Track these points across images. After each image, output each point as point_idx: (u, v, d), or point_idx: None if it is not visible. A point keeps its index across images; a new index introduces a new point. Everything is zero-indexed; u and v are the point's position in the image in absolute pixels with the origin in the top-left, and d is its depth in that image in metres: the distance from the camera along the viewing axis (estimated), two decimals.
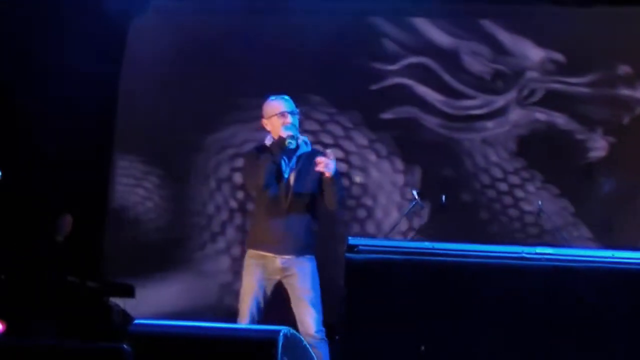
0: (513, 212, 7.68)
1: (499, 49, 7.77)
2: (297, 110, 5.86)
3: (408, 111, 7.83)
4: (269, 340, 4.42)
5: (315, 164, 5.55)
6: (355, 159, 7.90)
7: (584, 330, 4.43)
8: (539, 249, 4.50)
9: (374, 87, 7.92)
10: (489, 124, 7.67)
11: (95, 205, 8.80)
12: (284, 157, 5.70)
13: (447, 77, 7.72)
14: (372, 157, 7.77)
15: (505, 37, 7.79)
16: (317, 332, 5.29)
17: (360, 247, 4.43)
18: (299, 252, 5.49)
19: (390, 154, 7.76)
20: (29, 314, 7.67)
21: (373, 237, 7.32)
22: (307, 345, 4.65)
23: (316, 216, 5.66)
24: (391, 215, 7.61)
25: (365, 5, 8.00)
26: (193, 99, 8.71)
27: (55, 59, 7.94)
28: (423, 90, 7.76)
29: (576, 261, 4.43)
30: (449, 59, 7.72)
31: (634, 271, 4.39)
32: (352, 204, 7.63)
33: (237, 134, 8.59)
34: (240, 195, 8.50)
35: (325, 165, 5.47)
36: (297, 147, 5.68)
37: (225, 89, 8.53)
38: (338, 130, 7.96)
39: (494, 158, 7.62)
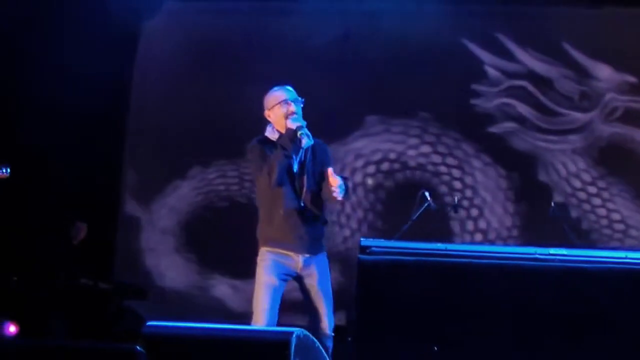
0: (600, 211, 8.51)
1: (583, 73, 8.62)
2: (301, 99, 5.72)
3: (508, 126, 8.66)
4: (282, 342, 4.42)
5: (323, 154, 5.57)
6: (465, 165, 8.57)
7: (597, 330, 4.41)
8: (552, 250, 4.48)
9: (477, 104, 8.69)
10: (577, 137, 8.59)
11: (108, 207, 8.81)
12: (294, 151, 5.53)
13: (542, 98, 8.62)
14: (479, 164, 8.60)
15: (588, 63, 8.63)
16: (331, 329, 5.25)
17: (373, 248, 4.41)
18: (317, 249, 5.39)
19: (494, 161, 8.60)
20: (43, 315, 7.69)
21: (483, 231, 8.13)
22: (320, 347, 4.64)
23: (325, 210, 5.59)
24: (496, 212, 8.45)
25: (461, 32, 8.68)
26: (205, 99, 8.74)
27: (67, 60, 7.94)
28: (523, 108, 8.69)
29: (589, 262, 4.41)
30: (543, 81, 8.62)
31: None
32: (466, 203, 8.45)
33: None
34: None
35: (337, 191, 5.31)
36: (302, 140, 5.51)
37: (238, 90, 8.53)
38: (450, 141, 8.59)
39: (581, 166, 8.58)
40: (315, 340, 4.65)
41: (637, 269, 4.38)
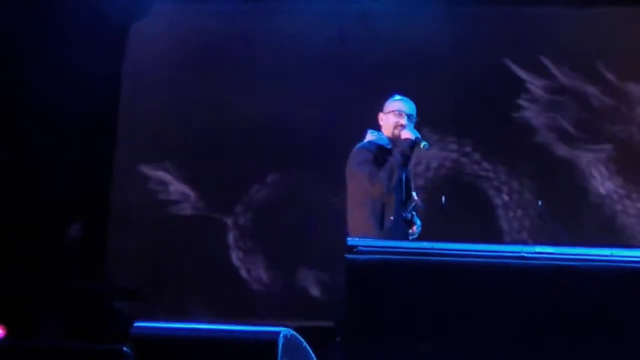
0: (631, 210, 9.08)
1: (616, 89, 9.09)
2: (415, 116, 5.86)
3: (545, 137, 9.13)
4: (269, 342, 4.44)
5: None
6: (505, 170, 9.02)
7: (583, 328, 4.41)
8: (538, 248, 4.48)
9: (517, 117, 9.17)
10: (610, 146, 9.09)
11: (99, 207, 8.80)
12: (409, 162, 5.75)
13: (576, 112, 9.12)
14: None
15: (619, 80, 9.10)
16: None
17: (360, 247, 4.40)
18: None
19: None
20: (34, 315, 7.68)
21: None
22: (308, 347, 4.65)
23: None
24: (532, 214, 8.97)
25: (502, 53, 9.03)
26: (193, 101, 8.74)
27: (57, 60, 7.95)
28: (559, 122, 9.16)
29: (575, 260, 4.41)
30: (576, 96, 9.10)
31: (632, 269, 4.38)
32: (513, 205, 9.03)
33: None
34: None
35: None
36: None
37: (226, 92, 8.54)
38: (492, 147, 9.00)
39: (614, 172, 9.11)
40: (302, 340, 4.66)
41: (623, 266, 4.39)
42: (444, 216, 5.86)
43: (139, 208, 8.85)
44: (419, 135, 5.70)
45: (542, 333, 4.46)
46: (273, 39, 8.73)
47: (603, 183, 8.99)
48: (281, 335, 4.45)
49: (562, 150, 9.10)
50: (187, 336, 4.57)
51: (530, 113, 9.13)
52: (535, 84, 9.11)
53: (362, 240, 4.44)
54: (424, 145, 5.63)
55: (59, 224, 8.34)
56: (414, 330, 4.42)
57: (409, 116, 5.79)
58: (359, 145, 5.80)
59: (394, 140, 5.78)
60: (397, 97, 5.89)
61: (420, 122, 5.96)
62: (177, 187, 8.91)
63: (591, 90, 9.06)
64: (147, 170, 8.92)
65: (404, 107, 5.82)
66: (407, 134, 5.70)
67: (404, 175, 5.72)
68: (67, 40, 8.14)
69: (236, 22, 8.85)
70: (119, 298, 8.07)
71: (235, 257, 8.85)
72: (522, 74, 9.11)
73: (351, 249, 4.40)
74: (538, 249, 4.49)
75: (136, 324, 4.59)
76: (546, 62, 9.06)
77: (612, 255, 4.45)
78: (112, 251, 8.82)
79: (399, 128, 5.75)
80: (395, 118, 5.78)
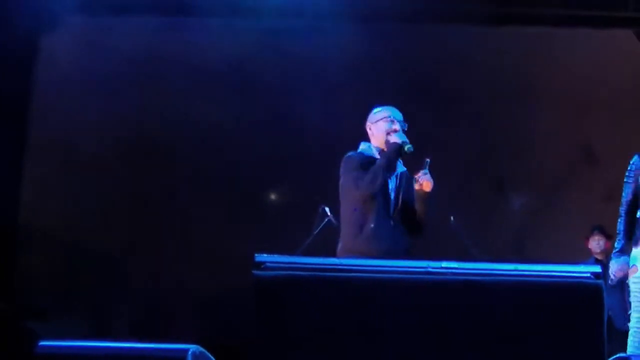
0: None
1: None
2: (404, 123, 5.86)
3: None
4: (178, 359, 4.40)
5: (412, 183, 5.74)
6: None
7: (488, 342, 4.47)
8: (444, 263, 4.53)
9: None
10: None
11: (7, 224, 8.64)
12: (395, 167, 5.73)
13: None
14: None
15: None
16: None
17: (268, 263, 4.40)
18: None
19: None
20: None
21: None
22: None
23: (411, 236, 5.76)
24: None
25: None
26: (101, 114, 8.68)
27: None
28: None
29: (480, 275, 4.47)
30: None
31: (536, 283, 4.46)
32: None
33: None
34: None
35: (428, 181, 5.64)
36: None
37: (135, 106, 8.50)
38: None
39: None
40: (212, 357, 4.64)
41: (526, 280, 4.47)
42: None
43: (49, 225, 8.74)
44: (405, 139, 5.72)
45: (449, 347, 4.51)
46: (183, 54, 8.73)
47: (514, 198, 9.11)
48: (189, 352, 4.43)
49: None
50: (95, 354, 4.52)
51: None
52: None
53: (270, 256, 4.44)
54: (407, 148, 5.66)
55: None
56: (321, 347, 4.43)
57: (400, 122, 5.83)
58: (347, 154, 5.82)
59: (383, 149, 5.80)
60: (382, 108, 5.90)
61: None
62: (88, 204, 8.82)
63: None
64: (56, 185, 8.82)
65: (394, 114, 5.85)
66: (395, 138, 5.72)
67: (393, 181, 5.75)
68: None
69: (146, 37, 8.81)
70: (27, 317, 7.92)
71: (144, 274, 8.80)
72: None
73: (259, 265, 4.39)
74: (444, 264, 4.54)
75: (41, 343, 4.53)
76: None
77: (516, 270, 4.53)
78: (20, 269, 8.68)
79: (392, 133, 5.77)
80: (386, 125, 5.80)
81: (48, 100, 8.86)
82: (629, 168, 6.18)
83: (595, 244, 8.93)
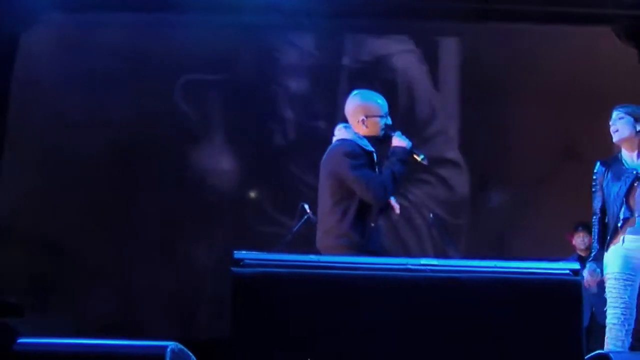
0: None
1: None
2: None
3: None
4: (156, 356, 4.39)
5: None
6: None
7: (467, 339, 4.47)
8: (423, 260, 4.53)
9: None
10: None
11: None
12: None
13: None
14: None
15: None
16: None
17: (246, 260, 4.39)
18: None
19: None
20: None
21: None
22: None
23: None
24: None
25: None
26: (82, 112, 8.64)
27: None
28: None
29: (459, 272, 4.48)
30: None
31: (514, 280, 4.47)
32: None
33: None
34: None
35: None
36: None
37: (110, 101, 8.47)
38: None
39: None
40: (191, 354, 4.63)
41: (505, 277, 4.48)
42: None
43: (25, 223, 8.71)
44: (410, 143, 5.57)
45: (427, 344, 4.51)
46: (163, 51, 8.70)
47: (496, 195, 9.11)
48: (168, 349, 4.42)
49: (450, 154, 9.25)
50: (73, 351, 4.50)
51: None
52: None
53: (248, 253, 4.43)
54: (422, 159, 5.56)
55: None
56: (299, 344, 4.42)
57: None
58: (344, 145, 5.53)
59: (374, 141, 5.57)
60: (379, 99, 5.63)
61: None
62: (64, 203, 8.79)
63: None
64: (33, 183, 8.78)
65: (386, 110, 5.64)
66: (401, 141, 5.57)
67: None
68: None
69: (126, 33, 8.79)
70: (2, 314, 7.89)
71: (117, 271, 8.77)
72: None
73: (238, 262, 4.38)
74: (423, 261, 4.54)
75: (19, 340, 4.51)
76: None
77: (495, 267, 4.53)
78: None
79: (394, 135, 5.59)
80: (382, 122, 5.57)
81: (27, 98, 8.81)
82: (593, 177, 6.31)
83: (580, 240, 8.98)
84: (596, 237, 6.27)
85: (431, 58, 9.43)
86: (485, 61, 9.26)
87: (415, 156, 5.59)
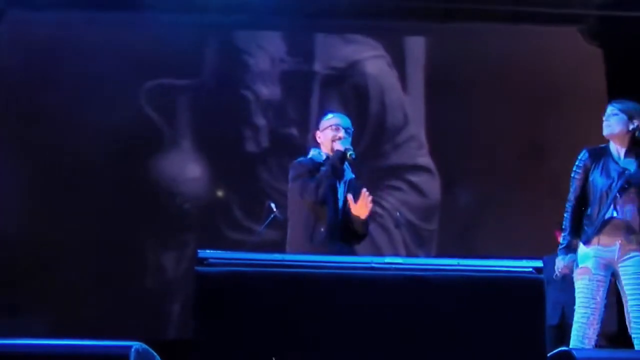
0: None
1: None
2: (351, 129, 6.04)
3: None
4: (120, 356, 4.36)
5: (358, 191, 5.87)
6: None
7: (432, 337, 4.48)
8: (387, 259, 4.54)
9: None
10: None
11: None
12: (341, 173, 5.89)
13: None
14: None
15: None
16: None
17: (211, 259, 4.37)
18: None
19: None
20: None
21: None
22: None
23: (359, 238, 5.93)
24: None
25: None
26: (46, 111, 8.59)
27: None
28: None
29: (423, 270, 4.48)
30: None
31: (478, 278, 4.48)
32: None
33: None
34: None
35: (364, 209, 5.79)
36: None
37: (76, 101, 8.43)
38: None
39: None
40: (156, 354, 4.60)
41: (469, 275, 4.49)
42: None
43: None
44: (349, 146, 5.92)
45: (392, 343, 4.51)
46: (123, 50, 8.67)
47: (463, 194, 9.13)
48: (133, 349, 4.39)
49: (422, 160, 9.27)
50: (33, 352, 4.45)
51: None
52: None
53: (213, 252, 4.41)
54: (350, 155, 5.85)
55: None
56: (264, 344, 4.41)
57: (345, 129, 6.00)
58: (296, 160, 6.02)
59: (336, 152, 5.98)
60: (331, 114, 6.14)
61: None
62: (27, 205, 8.73)
63: None
64: None
65: (340, 121, 6.04)
66: (339, 145, 5.92)
67: (342, 186, 5.88)
68: None
69: (87, 32, 8.74)
70: None
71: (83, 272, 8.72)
72: None
73: (202, 261, 4.36)
74: (388, 259, 4.55)
75: None
76: None
77: (459, 265, 4.54)
78: None
79: (337, 140, 5.97)
80: (332, 132, 6.00)
81: None
82: (576, 163, 6.22)
83: None
84: (569, 224, 6.15)
85: (400, 61, 9.45)
86: (451, 61, 9.30)
87: (348, 155, 5.93)
